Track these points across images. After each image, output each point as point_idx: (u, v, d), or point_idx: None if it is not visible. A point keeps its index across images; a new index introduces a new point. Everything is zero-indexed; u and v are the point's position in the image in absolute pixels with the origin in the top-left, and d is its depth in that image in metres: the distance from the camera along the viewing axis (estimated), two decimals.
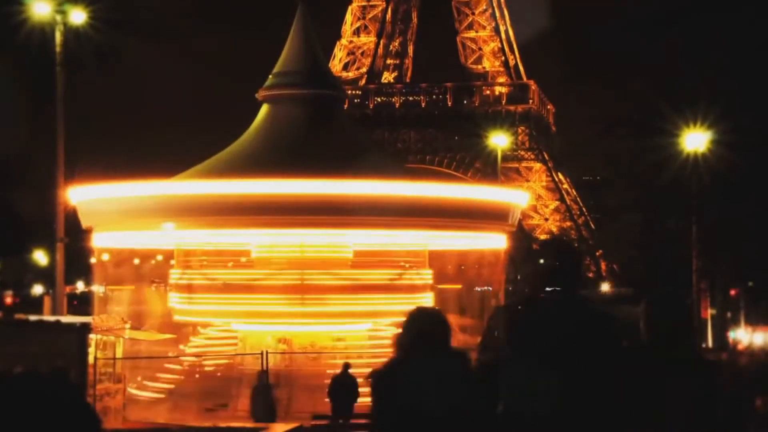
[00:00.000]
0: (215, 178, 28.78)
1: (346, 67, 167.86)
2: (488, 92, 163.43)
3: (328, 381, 26.22)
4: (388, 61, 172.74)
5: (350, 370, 26.14)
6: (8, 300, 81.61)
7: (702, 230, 40.26)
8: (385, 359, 7.18)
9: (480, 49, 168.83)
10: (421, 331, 6.94)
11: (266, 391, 25.75)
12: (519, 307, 7.72)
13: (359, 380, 25.84)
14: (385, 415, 6.91)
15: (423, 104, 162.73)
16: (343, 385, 25.81)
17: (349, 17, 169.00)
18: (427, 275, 32.16)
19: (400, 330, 7.14)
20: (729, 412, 19.54)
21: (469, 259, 39.66)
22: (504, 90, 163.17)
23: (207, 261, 33.50)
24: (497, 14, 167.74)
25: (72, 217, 31.25)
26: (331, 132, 31.41)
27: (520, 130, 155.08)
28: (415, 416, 6.67)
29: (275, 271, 30.43)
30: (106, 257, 37.34)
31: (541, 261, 7.40)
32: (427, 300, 31.84)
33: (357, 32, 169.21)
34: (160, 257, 42.13)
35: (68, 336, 25.05)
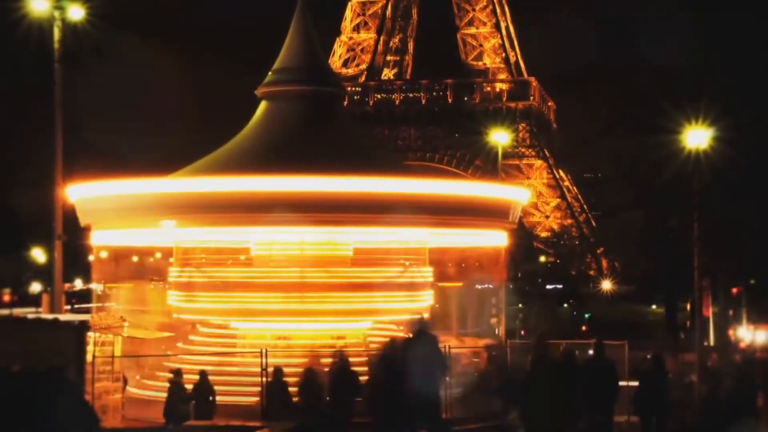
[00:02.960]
0: (214, 175, 28.61)
1: (345, 64, 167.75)
2: (489, 89, 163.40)
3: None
4: (388, 58, 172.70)
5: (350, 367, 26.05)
6: (6, 297, 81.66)
7: (703, 228, 40.11)
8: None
9: (480, 45, 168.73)
10: None
11: (282, 389, 25.57)
12: None
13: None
14: None
15: (423, 101, 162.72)
16: (343, 381, 25.70)
17: (348, 13, 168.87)
18: (427, 273, 32.02)
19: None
20: (732, 407, 19.42)
21: (469, 256, 39.50)
22: (505, 87, 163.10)
23: (206, 259, 33.33)
24: (498, 11, 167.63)
25: (70, 215, 31.08)
26: (330, 129, 31.24)
27: (520, 127, 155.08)
28: None
29: (275, 269, 30.28)
30: (104, 255, 37.18)
31: None
32: (428, 298, 31.71)
33: (357, 29, 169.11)
34: (158, 255, 41.98)
35: (66, 334, 24.91)
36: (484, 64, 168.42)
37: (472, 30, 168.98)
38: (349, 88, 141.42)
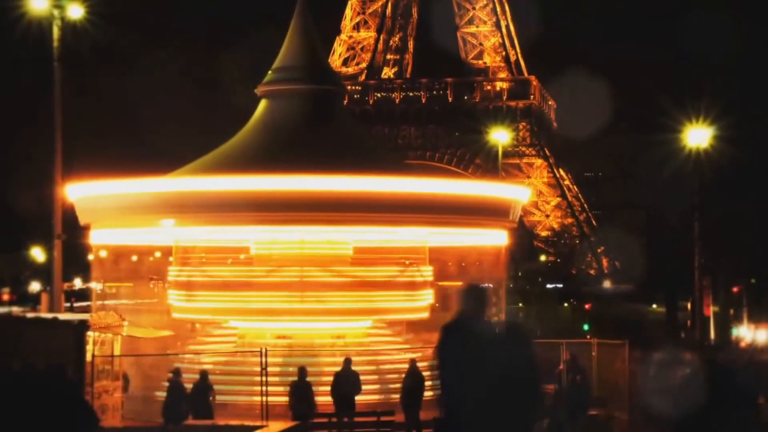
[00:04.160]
0: (213, 174, 28.56)
1: (345, 63, 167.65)
2: (489, 88, 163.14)
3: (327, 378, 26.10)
4: (388, 57, 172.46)
5: (351, 366, 26.04)
6: (5, 297, 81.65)
7: (704, 227, 40.07)
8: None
9: (481, 44, 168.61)
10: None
11: (305, 388, 25.55)
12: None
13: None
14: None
15: (423, 100, 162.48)
16: (346, 380, 25.70)
17: (348, 12, 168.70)
18: (427, 272, 31.95)
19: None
20: (737, 410, 19.24)
21: (469, 255, 39.46)
22: (505, 86, 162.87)
23: (206, 258, 33.27)
24: (498, 9, 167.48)
25: (70, 214, 31.06)
26: (330, 128, 31.18)
27: (521, 126, 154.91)
28: None
29: (274, 268, 30.22)
30: (103, 254, 37.14)
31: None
32: (428, 297, 31.64)
33: (357, 27, 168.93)
34: (158, 254, 41.93)
35: (66, 333, 24.87)
36: (485, 62, 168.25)
37: (473, 29, 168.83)
38: (349, 87, 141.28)
